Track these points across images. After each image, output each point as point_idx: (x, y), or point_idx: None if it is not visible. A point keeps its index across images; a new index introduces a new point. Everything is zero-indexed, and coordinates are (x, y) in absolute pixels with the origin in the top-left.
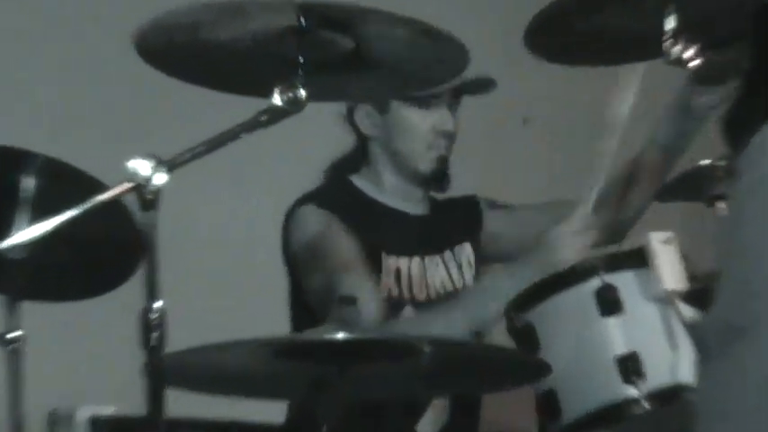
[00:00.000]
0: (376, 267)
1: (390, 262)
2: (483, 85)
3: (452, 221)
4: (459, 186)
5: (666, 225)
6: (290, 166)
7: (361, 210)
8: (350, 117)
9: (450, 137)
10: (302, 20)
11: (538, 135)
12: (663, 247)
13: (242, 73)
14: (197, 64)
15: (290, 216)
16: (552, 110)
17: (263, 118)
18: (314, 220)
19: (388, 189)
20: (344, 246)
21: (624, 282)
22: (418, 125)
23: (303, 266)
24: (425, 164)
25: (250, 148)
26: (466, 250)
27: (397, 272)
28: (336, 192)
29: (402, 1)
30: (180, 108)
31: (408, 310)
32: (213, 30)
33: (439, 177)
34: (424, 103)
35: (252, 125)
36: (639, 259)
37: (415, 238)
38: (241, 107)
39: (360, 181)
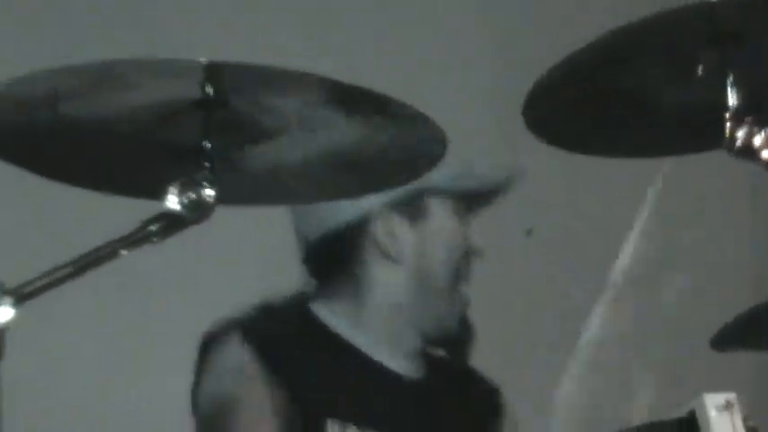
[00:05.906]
0: None
1: None
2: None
3: (460, 402)
4: None
5: (727, 383)
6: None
7: (320, 352)
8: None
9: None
10: (209, 88)
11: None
12: (720, 416)
13: (122, 165)
14: (57, 151)
15: (204, 353)
16: (559, 220)
17: (152, 229)
18: (230, 368)
19: (372, 332)
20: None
21: None
22: (455, 237)
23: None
24: (452, 301)
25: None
26: None
27: None
28: (275, 321)
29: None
30: (33, 213)
31: None
32: (79, 104)
33: (467, 324)
34: (463, 202)
35: (136, 239)
36: (690, 430)
37: (407, 416)
38: (123, 213)
39: (323, 311)
